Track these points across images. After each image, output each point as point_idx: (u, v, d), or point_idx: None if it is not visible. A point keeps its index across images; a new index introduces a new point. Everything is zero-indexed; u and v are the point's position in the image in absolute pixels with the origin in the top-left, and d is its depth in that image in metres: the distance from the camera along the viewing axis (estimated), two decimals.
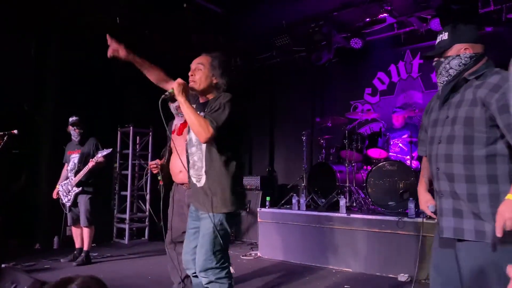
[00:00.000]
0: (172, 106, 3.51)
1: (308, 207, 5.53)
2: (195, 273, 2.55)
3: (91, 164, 4.88)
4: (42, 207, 5.92)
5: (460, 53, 1.96)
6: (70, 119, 5.12)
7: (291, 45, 6.55)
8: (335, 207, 5.22)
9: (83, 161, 5.01)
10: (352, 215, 4.80)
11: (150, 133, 6.93)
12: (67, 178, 5.11)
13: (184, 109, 2.37)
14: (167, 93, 2.42)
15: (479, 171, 1.85)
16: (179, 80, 2.41)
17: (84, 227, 4.98)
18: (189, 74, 2.52)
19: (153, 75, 2.65)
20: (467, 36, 1.98)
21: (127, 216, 6.63)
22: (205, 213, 2.44)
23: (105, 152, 4.91)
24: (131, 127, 6.79)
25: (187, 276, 3.32)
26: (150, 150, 6.98)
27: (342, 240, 4.80)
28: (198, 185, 2.52)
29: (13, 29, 5.66)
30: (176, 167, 3.23)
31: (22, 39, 5.86)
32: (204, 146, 2.48)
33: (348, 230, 4.77)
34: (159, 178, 2.80)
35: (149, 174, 6.87)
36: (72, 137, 5.15)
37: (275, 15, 6.16)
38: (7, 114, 5.21)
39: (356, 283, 4.22)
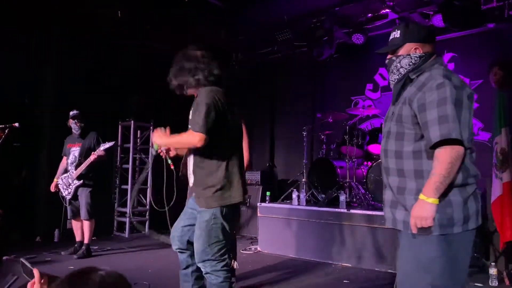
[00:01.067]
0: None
1: (308, 203, 5.54)
2: (177, 248, 2.71)
3: (92, 157, 4.89)
4: (43, 200, 5.94)
5: (411, 52, 1.99)
6: (71, 113, 5.12)
7: (293, 40, 6.52)
8: (335, 203, 5.24)
9: (84, 154, 5.01)
10: (352, 211, 4.81)
11: (151, 127, 6.93)
12: (66, 171, 5.12)
13: (172, 145, 2.60)
14: (153, 152, 2.69)
15: (407, 166, 1.94)
16: (155, 134, 2.58)
17: (85, 220, 5.00)
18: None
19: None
20: (418, 35, 2.01)
21: (127, 209, 6.65)
22: (201, 208, 2.54)
23: (108, 145, 4.92)
24: (132, 121, 6.80)
25: None
26: (151, 144, 6.98)
27: (341, 236, 4.82)
28: (192, 184, 2.67)
29: (14, 23, 5.64)
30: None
31: (22, 33, 5.84)
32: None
33: (348, 226, 4.79)
34: (169, 162, 2.75)
35: (148, 163, 6.87)
36: (73, 130, 5.15)
37: (276, 10, 6.13)
38: (7, 107, 5.21)
39: (355, 278, 4.24)
